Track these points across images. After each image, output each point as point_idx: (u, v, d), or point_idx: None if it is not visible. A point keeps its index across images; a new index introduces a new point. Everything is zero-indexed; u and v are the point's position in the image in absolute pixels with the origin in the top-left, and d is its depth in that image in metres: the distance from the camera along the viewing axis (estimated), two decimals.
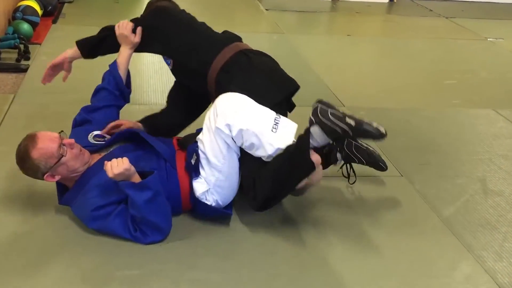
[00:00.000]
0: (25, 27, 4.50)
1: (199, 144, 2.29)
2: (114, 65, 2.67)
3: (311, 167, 2.21)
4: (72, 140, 2.22)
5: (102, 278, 2.03)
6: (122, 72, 2.67)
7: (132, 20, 2.66)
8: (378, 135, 2.23)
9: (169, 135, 2.60)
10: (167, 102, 2.84)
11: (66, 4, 5.78)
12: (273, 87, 2.44)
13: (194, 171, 2.29)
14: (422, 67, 4.73)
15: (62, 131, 2.25)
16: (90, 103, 2.68)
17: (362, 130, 2.21)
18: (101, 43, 2.75)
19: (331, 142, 2.29)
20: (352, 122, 2.21)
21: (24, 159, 2.17)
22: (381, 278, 2.14)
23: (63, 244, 2.19)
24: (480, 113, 3.83)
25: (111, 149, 2.36)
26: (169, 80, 3.27)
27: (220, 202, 2.34)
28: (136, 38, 2.60)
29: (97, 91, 2.68)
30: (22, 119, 3.17)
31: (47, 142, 2.16)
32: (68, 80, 3.75)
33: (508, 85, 4.42)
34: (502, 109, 3.88)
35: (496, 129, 3.58)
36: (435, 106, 3.90)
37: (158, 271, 2.08)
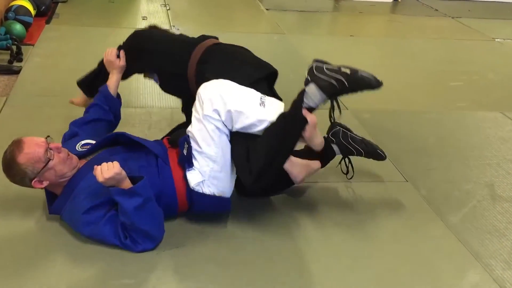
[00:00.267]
0: (18, 27, 4.49)
1: (190, 135, 2.32)
2: (104, 86, 2.76)
3: (304, 122, 2.27)
4: (59, 144, 2.24)
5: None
6: (112, 91, 2.75)
7: (118, 48, 2.83)
8: (375, 82, 2.30)
9: None
10: (185, 116, 2.84)
11: (60, 4, 5.77)
12: (248, 68, 2.52)
13: (187, 162, 2.30)
14: (427, 68, 4.73)
15: (48, 136, 2.25)
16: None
17: (358, 77, 2.27)
18: (97, 77, 2.90)
19: (327, 98, 2.32)
20: (348, 71, 2.28)
21: (11, 165, 2.17)
22: (386, 287, 2.13)
23: (55, 251, 2.18)
24: (487, 116, 3.82)
25: (98, 153, 2.36)
26: None
27: (217, 196, 2.34)
28: (121, 62, 2.76)
29: (87, 109, 2.73)
30: (15, 123, 3.16)
31: (34, 147, 2.17)
32: (62, 83, 3.77)
33: None
34: (510, 112, 3.87)
35: (504, 132, 3.57)
36: (441, 109, 3.89)
37: (154, 281, 2.07)
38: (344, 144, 2.65)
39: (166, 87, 2.78)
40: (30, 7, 4.90)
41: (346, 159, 2.72)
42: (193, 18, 5.78)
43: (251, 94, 2.32)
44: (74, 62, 4.20)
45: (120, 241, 2.15)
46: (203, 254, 2.22)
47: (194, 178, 2.30)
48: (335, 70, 2.30)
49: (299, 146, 2.48)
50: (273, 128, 2.28)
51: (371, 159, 2.68)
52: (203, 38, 2.68)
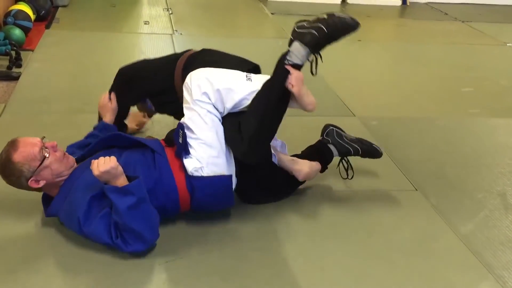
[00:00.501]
0: (17, 32, 4.51)
1: (184, 124, 2.38)
2: (100, 122, 2.83)
3: (286, 72, 2.40)
4: (55, 143, 2.29)
5: None
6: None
7: (109, 91, 2.91)
8: (351, 21, 2.42)
9: None
10: None
11: (60, 8, 5.80)
12: (232, 61, 2.63)
13: (184, 150, 2.34)
14: (437, 73, 4.73)
15: (44, 137, 2.29)
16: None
17: (335, 19, 2.40)
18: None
19: (310, 49, 2.42)
20: (325, 16, 2.42)
21: (6, 165, 2.21)
22: None
23: (49, 258, 2.19)
24: (499, 123, 3.82)
25: (94, 155, 2.38)
26: None
27: (218, 175, 2.37)
28: (113, 104, 2.84)
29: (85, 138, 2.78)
30: (13, 130, 3.17)
31: (29, 145, 2.22)
32: (61, 89, 3.79)
33: None
34: None
35: None
36: (452, 115, 3.89)
37: None
38: (339, 142, 2.77)
39: (161, 107, 2.83)
40: (29, 11, 4.93)
41: (344, 161, 2.81)
42: (196, 22, 5.80)
43: (236, 73, 2.46)
44: (74, 68, 4.22)
45: (111, 239, 2.16)
46: (207, 265, 2.21)
47: (191, 164, 2.34)
48: (314, 20, 2.44)
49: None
50: (260, 91, 2.40)
51: (371, 160, 2.74)
52: (186, 51, 2.77)
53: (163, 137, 2.54)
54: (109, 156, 2.14)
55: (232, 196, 2.43)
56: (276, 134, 2.78)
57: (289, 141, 2.99)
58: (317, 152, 2.78)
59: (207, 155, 2.34)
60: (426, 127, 3.64)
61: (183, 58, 2.67)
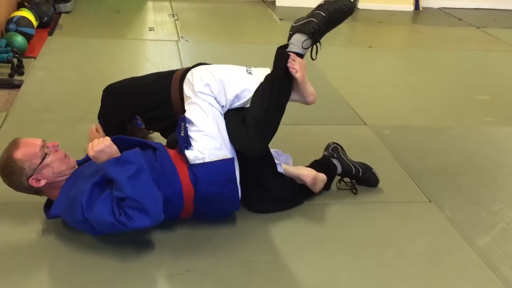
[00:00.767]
0: (19, 39, 4.54)
1: (184, 117, 2.45)
2: None
3: (286, 55, 2.51)
4: (56, 143, 2.34)
5: None
6: None
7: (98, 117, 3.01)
8: (350, 4, 2.55)
9: None
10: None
11: (63, 15, 5.84)
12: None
13: (186, 143, 2.40)
14: (451, 81, 4.72)
15: (45, 140, 2.34)
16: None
17: (332, 3, 2.52)
18: None
19: (309, 36, 2.53)
20: (321, 1, 2.57)
21: (8, 162, 2.25)
22: None
23: (54, 262, 2.20)
24: None
25: None
26: None
27: (220, 160, 2.41)
28: (100, 133, 2.92)
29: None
30: None
31: (30, 143, 2.29)
32: (64, 97, 3.81)
33: None
34: None
35: None
36: (466, 124, 3.88)
37: None
38: (343, 159, 2.84)
39: (152, 124, 2.87)
40: (32, 18, 4.96)
41: (343, 181, 2.86)
42: (202, 29, 5.82)
43: (237, 67, 2.61)
44: (77, 76, 4.24)
45: (115, 218, 2.15)
46: (214, 279, 2.20)
47: (192, 153, 2.39)
48: (311, 11, 2.58)
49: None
50: (263, 81, 2.53)
51: (383, 170, 2.78)
52: (178, 69, 2.82)
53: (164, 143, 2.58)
54: (103, 138, 2.21)
55: (236, 189, 2.43)
56: (282, 148, 2.81)
57: (297, 150, 3.00)
58: (323, 165, 2.80)
59: (209, 146, 2.41)
60: (440, 136, 3.63)
61: (179, 72, 2.71)
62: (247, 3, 6.99)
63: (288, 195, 2.68)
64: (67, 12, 5.92)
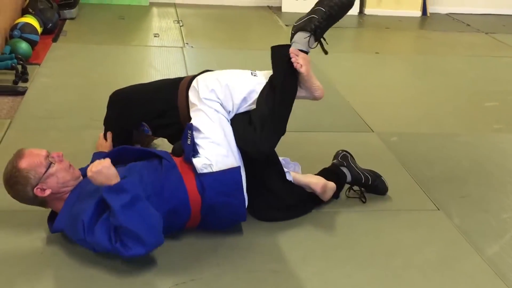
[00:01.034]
0: (23, 46, 4.56)
1: (190, 125, 2.46)
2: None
3: (287, 46, 2.56)
4: (60, 153, 2.36)
5: None
6: None
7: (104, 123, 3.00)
8: None
9: None
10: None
11: (67, 21, 5.87)
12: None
13: (193, 150, 2.40)
14: (459, 87, 4.72)
15: (49, 151, 2.36)
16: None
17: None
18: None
19: (312, 33, 2.55)
20: None
21: (12, 173, 2.27)
22: None
23: (58, 274, 2.20)
24: None
25: None
26: None
27: (228, 169, 2.41)
28: (108, 142, 2.90)
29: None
30: (19, 147, 3.19)
31: (34, 153, 2.31)
32: (68, 104, 3.82)
33: None
34: None
35: None
36: (475, 131, 3.87)
37: None
38: (353, 167, 2.84)
39: (158, 131, 2.86)
40: (36, 24, 4.99)
41: (352, 190, 2.86)
42: (208, 35, 5.84)
43: (241, 71, 2.65)
44: (82, 82, 4.26)
45: (111, 244, 2.16)
46: None
47: (200, 161, 2.40)
48: (312, 7, 2.60)
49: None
50: (268, 80, 2.55)
51: (391, 178, 2.76)
52: (184, 77, 2.82)
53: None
54: (103, 159, 2.21)
55: (243, 199, 2.43)
56: (288, 155, 2.82)
57: (304, 158, 3.00)
58: (332, 174, 2.80)
59: (216, 153, 2.41)
60: (448, 144, 3.63)
61: (186, 79, 2.71)
62: (252, 9, 7.02)
63: (297, 204, 2.68)
64: (72, 19, 5.96)
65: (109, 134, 2.90)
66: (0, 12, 4.67)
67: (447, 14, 7.44)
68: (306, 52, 2.57)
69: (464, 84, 4.80)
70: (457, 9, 7.48)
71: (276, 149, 2.59)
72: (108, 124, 2.94)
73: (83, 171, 2.46)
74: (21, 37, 4.70)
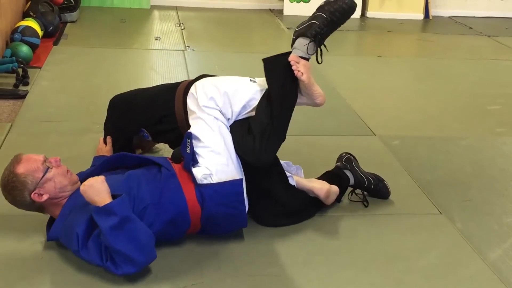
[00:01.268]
0: (24, 49, 4.57)
1: (190, 133, 2.44)
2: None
3: (287, 54, 2.55)
4: (58, 158, 2.36)
5: None
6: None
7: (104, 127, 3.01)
8: (351, 3, 2.53)
9: None
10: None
11: (68, 24, 5.88)
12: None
13: (192, 159, 2.38)
14: (462, 91, 4.71)
15: (46, 156, 2.36)
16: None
17: (333, 4, 2.52)
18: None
19: (312, 39, 2.53)
20: (322, 3, 2.58)
21: (10, 178, 2.27)
22: None
23: (50, 278, 2.21)
24: None
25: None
26: None
27: (228, 181, 2.40)
28: (108, 146, 2.90)
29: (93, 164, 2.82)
30: (20, 150, 3.18)
31: (32, 158, 2.31)
32: (69, 107, 3.83)
33: None
34: None
35: None
36: (478, 135, 3.87)
37: None
38: (356, 170, 2.83)
39: (158, 137, 2.86)
40: (37, 27, 5.00)
41: (355, 193, 2.86)
42: (209, 38, 5.85)
43: (240, 78, 2.64)
44: (83, 86, 4.26)
45: (102, 262, 2.17)
46: None
47: (200, 171, 2.38)
48: (313, 12, 2.58)
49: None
50: (267, 89, 2.53)
51: (393, 182, 2.75)
52: (182, 81, 2.81)
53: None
54: (98, 176, 2.21)
55: (244, 209, 2.43)
56: (290, 159, 2.81)
57: (306, 162, 3.00)
58: (335, 177, 2.80)
59: (216, 162, 2.39)
60: (451, 147, 3.62)
61: (183, 85, 2.70)
62: (254, 12, 7.03)
63: (300, 209, 2.67)
64: (73, 22, 5.97)
65: (109, 139, 2.90)
66: (1, 15, 4.68)
67: (449, 17, 7.44)
68: (307, 59, 2.55)
69: (467, 87, 4.80)
70: (459, 12, 7.48)
71: (278, 153, 2.59)
72: (108, 128, 2.95)
73: (82, 175, 2.47)
74: (22, 41, 4.71)
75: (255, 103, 2.52)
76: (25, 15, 5.37)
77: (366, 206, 2.81)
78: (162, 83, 3.07)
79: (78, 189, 2.32)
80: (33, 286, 2.18)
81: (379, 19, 7.06)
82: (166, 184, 2.36)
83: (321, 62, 2.59)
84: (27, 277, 2.22)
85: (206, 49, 5.44)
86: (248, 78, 2.62)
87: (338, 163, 2.89)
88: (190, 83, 2.65)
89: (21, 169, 2.27)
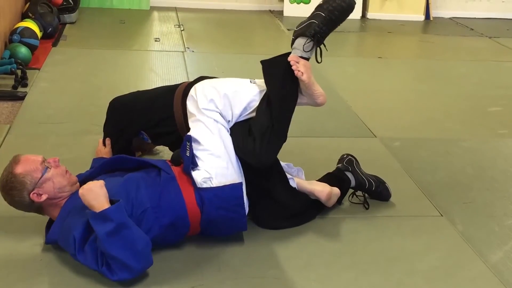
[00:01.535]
0: (23, 50, 4.57)
1: (190, 136, 2.43)
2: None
3: (286, 55, 2.54)
4: (57, 158, 2.36)
5: None
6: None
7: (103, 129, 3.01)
8: (350, 1, 2.51)
9: None
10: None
11: (67, 25, 5.88)
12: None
13: (192, 163, 2.38)
14: (463, 92, 4.72)
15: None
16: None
17: (332, 2, 2.51)
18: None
19: (311, 39, 2.52)
20: (320, 1, 2.57)
21: (8, 179, 2.28)
22: None
23: (50, 279, 2.21)
24: None
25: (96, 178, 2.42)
26: None
27: (228, 185, 2.39)
28: (107, 148, 2.90)
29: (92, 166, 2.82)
30: (19, 152, 3.18)
31: (30, 158, 2.33)
32: (68, 109, 3.83)
33: None
34: None
35: None
36: (479, 136, 3.87)
37: None
38: (358, 172, 2.83)
39: (157, 139, 2.86)
40: (36, 29, 5.00)
41: (355, 195, 2.86)
42: (209, 39, 5.86)
43: (240, 79, 2.63)
44: (82, 87, 4.26)
45: (98, 267, 2.17)
46: None
47: (200, 175, 2.37)
48: (312, 12, 2.58)
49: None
50: (267, 90, 2.52)
51: (394, 184, 2.74)
52: (181, 83, 2.81)
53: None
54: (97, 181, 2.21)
55: (244, 213, 2.43)
56: (290, 161, 2.82)
57: (306, 163, 3.00)
58: (336, 179, 2.80)
59: (216, 165, 2.39)
60: (452, 149, 3.63)
61: (181, 87, 2.69)
62: (254, 13, 7.03)
63: (301, 211, 2.67)
64: (72, 23, 5.97)
65: (108, 141, 2.90)
66: None
67: (450, 18, 7.45)
68: (307, 59, 2.55)
69: (468, 89, 4.80)
70: (460, 13, 7.49)
71: (278, 154, 2.59)
72: (107, 130, 2.95)
73: (81, 177, 2.47)
74: (20, 42, 4.71)
75: (255, 104, 2.52)
76: (24, 16, 5.37)
77: (367, 208, 2.82)
78: (162, 85, 3.07)
79: (77, 191, 2.32)
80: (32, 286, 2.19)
81: (379, 20, 7.07)
82: (166, 187, 2.36)
83: (321, 62, 2.59)
84: (26, 279, 2.22)
85: (206, 50, 5.44)
86: (248, 80, 2.62)
87: (339, 165, 2.89)
88: (189, 85, 2.65)
89: (19, 169, 2.27)
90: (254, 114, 2.53)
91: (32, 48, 4.75)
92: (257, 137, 2.44)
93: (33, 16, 5.28)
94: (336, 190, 2.73)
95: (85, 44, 5.35)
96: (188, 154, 2.39)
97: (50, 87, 4.23)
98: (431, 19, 7.31)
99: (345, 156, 2.93)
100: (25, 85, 4.15)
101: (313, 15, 2.56)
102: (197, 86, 2.58)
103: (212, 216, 2.37)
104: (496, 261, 2.53)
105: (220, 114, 2.48)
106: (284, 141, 2.55)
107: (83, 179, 2.44)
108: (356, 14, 6.99)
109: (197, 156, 2.40)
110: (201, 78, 2.70)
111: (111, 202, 2.17)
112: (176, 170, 2.44)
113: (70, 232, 2.21)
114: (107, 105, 2.95)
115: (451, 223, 2.80)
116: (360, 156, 3.01)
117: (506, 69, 5.46)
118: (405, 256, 2.52)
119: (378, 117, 4.03)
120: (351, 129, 3.84)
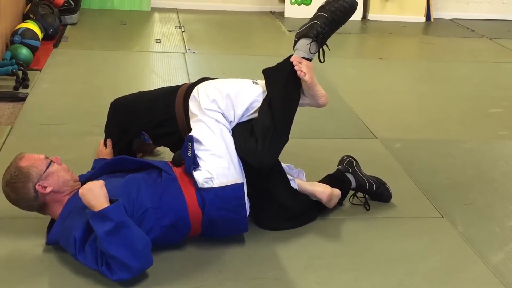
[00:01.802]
0: (24, 52, 4.58)
1: (191, 137, 2.43)
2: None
3: (289, 57, 2.55)
4: (59, 158, 2.40)
5: None
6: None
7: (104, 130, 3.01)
8: (352, 2, 2.53)
9: None
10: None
11: (68, 27, 5.89)
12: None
13: (193, 163, 2.38)
14: (464, 94, 4.72)
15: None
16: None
17: (334, 3, 2.53)
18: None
19: (314, 39, 2.54)
20: (322, 3, 2.58)
21: (13, 173, 2.30)
22: None
23: (51, 280, 2.21)
24: None
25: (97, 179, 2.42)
26: None
27: (230, 185, 2.40)
28: (108, 149, 2.90)
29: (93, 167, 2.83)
30: None
31: (34, 155, 2.36)
32: (70, 110, 3.83)
33: None
34: None
35: None
36: (480, 138, 3.88)
37: None
38: (358, 173, 2.83)
39: (158, 140, 2.87)
40: (37, 30, 5.01)
41: (356, 196, 2.86)
42: (210, 40, 5.86)
43: (242, 80, 2.63)
44: (83, 88, 4.27)
45: (97, 266, 2.18)
46: None
47: (201, 175, 2.38)
48: (314, 13, 2.59)
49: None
50: (270, 90, 2.53)
51: (394, 185, 2.74)
52: (182, 84, 2.81)
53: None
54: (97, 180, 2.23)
55: (245, 214, 2.43)
56: (291, 162, 2.82)
57: (307, 164, 3.00)
58: (337, 180, 2.80)
59: (217, 166, 2.39)
60: (453, 150, 3.63)
61: (183, 88, 2.70)
62: (255, 15, 7.03)
63: (302, 212, 2.67)
64: (73, 24, 5.97)
65: (109, 142, 2.90)
66: (0, 18, 4.69)
67: (451, 20, 7.45)
68: (310, 59, 2.56)
69: (469, 90, 4.81)
70: (461, 14, 7.49)
71: (279, 156, 2.59)
72: (108, 131, 2.95)
73: (82, 178, 2.47)
74: (21, 43, 4.71)
75: (257, 105, 2.53)
76: (25, 17, 5.38)
77: (367, 210, 2.82)
78: (163, 86, 3.07)
79: (77, 191, 2.32)
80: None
81: (380, 22, 7.07)
82: (167, 188, 2.36)
83: (324, 61, 2.60)
84: (27, 279, 2.23)
85: (207, 51, 5.45)
86: (251, 80, 2.62)
87: (340, 166, 2.89)
88: (191, 86, 2.66)
89: (24, 163, 2.31)
90: (256, 114, 2.53)
91: (33, 49, 4.75)
92: (259, 138, 2.44)
93: (34, 17, 5.29)
94: (337, 191, 2.73)
95: (86, 45, 5.35)
96: (189, 155, 2.39)
97: (51, 88, 4.24)
98: (432, 20, 7.31)
99: (345, 157, 2.93)
100: (26, 86, 4.15)
101: (315, 16, 2.57)
102: (200, 86, 2.59)
103: (213, 216, 2.38)
104: (496, 262, 2.53)
105: (222, 114, 2.48)
106: (286, 141, 2.55)
107: (85, 180, 2.45)
108: (357, 15, 6.97)
109: (198, 156, 2.40)
110: (203, 79, 2.70)
111: (111, 202, 2.18)
112: (177, 171, 2.44)
113: (70, 232, 2.22)
114: (108, 106, 2.95)
115: (452, 224, 2.80)
116: (360, 157, 3.01)
117: (507, 71, 5.46)
118: (405, 257, 2.53)
119: (378, 118, 4.03)
120: (351, 130, 3.84)
